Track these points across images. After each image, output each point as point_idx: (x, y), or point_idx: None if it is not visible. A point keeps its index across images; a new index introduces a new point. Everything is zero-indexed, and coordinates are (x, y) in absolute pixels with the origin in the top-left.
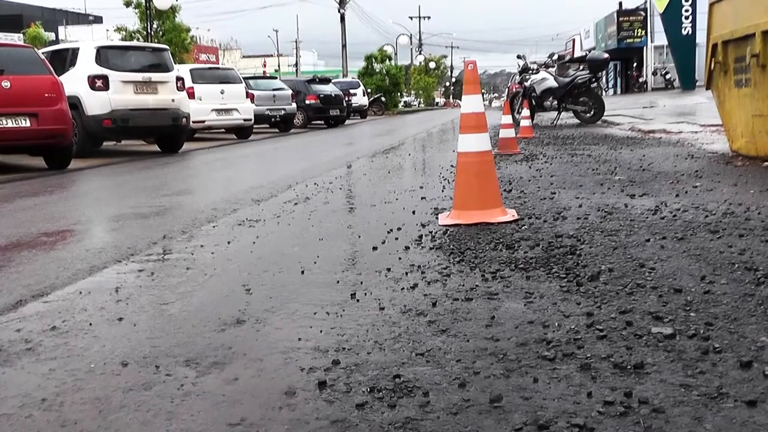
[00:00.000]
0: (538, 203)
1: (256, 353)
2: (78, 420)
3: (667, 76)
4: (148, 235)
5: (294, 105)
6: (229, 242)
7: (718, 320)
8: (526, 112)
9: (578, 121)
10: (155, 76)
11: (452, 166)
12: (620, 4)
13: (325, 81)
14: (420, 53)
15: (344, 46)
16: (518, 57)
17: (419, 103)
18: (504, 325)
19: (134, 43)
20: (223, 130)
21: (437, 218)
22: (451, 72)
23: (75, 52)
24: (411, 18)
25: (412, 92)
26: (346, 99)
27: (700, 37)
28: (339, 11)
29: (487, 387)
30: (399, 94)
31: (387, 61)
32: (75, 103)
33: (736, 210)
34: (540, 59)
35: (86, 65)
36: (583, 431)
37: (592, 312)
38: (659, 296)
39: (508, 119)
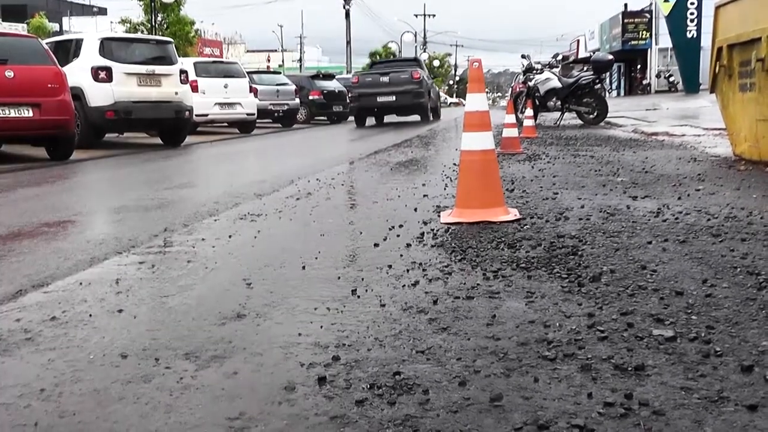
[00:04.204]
0: (541, 203)
1: (256, 348)
2: (76, 411)
3: (671, 79)
4: (149, 228)
5: (297, 100)
6: (230, 236)
7: (720, 324)
8: (529, 111)
9: (581, 122)
10: (159, 69)
11: (455, 164)
12: (625, 5)
13: (329, 77)
14: (424, 51)
15: (349, 42)
16: (522, 57)
17: None
18: (505, 324)
19: (138, 35)
20: (225, 124)
21: (439, 216)
22: (455, 70)
23: (79, 43)
24: (416, 16)
25: None
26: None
27: (705, 41)
28: (344, 7)
29: (487, 386)
30: None
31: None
32: (78, 94)
33: (738, 214)
34: (544, 59)
35: (90, 56)
36: None
37: (594, 313)
38: (660, 298)
39: (511, 119)
